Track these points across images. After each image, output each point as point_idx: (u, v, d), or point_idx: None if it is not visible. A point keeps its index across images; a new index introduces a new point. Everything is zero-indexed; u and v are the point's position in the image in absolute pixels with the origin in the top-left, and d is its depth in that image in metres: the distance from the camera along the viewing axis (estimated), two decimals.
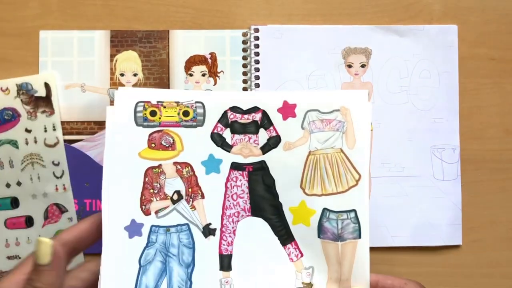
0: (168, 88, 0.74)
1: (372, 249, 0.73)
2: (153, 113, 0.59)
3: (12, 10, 0.73)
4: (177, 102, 0.60)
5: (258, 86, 0.73)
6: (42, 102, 0.72)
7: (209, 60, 0.74)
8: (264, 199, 0.60)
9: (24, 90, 0.72)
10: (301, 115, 0.60)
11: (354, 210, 0.61)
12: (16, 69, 0.72)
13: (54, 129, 0.72)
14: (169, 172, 0.59)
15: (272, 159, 0.60)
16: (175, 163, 0.59)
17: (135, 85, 0.73)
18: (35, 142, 0.72)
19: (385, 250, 0.74)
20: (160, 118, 0.59)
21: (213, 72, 0.74)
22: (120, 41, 0.73)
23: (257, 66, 0.73)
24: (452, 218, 0.74)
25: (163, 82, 0.74)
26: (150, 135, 0.59)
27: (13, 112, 0.72)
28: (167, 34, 0.74)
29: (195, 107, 0.60)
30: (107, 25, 0.73)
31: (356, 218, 0.62)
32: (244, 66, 0.74)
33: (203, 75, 0.74)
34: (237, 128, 0.60)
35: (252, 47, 0.73)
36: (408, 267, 0.74)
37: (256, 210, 0.60)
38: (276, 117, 0.60)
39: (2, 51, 0.72)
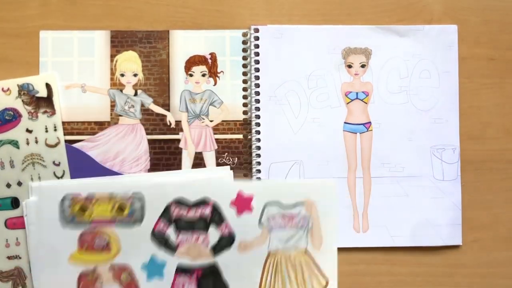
0: (168, 88, 0.74)
1: (372, 249, 0.74)
2: (82, 210, 0.52)
3: (12, 11, 0.73)
4: (111, 194, 0.53)
5: (258, 86, 0.73)
6: (43, 102, 0.73)
7: (209, 60, 0.74)
8: None
9: (25, 91, 0.72)
10: (258, 209, 0.54)
11: None
12: (17, 69, 0.72)
13: (55, 129, 0.73)
14: (106, 278, 0.53)
15: (225, 261, 0.53)
16: (111, 267, 0.53)
17: (135, 86, 0.74)
18: (36, 142, 0.72)
19: (385, 250, 0.74)
20: (91, 216, 0.53)
21: (213, 72, 0.74)
22: (120, 42, 0.73)
23: (257, 66, 0.73)
24: (452, 218, 0.74)
25: (163, 82, 0.74)
26: (80, 236, 0.53)
27: (14, 113, 0.72)
28: (167, 34, 0.74)
29: (132, 200, 0.53)
30: (107, 25, 0.73)
31: None
32: (244, 66, 0.74)
33: (203, 75, 0.74)
34: (183, 225, 0.54)
35: (252, 47, 0.73)
36: (408, 267, 0.74)
37: None
38: (229, 212, 0.54)
39: (3, 51, 0.73)
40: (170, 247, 0.53)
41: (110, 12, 0.74)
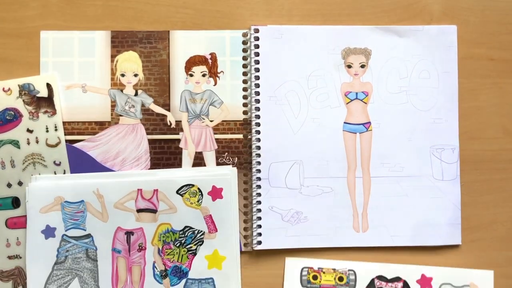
0: (169, 88, 0.74)
1: (372, 248, 0.74)
2: (314, 277, 0.72)
3: (13, 11, 0.73)
4: (334, 269, 0.72)
5: (258, 86, 0.73)
6: (44, 102, 0.73)
7: (209, 61, 0.74)
8: None
9: (26, 91, 0.72)
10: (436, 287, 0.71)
11: None
12: (17, 70, 0.73)
13: (56, 129, 0.73)
14: None
15: None
16: None
17: (135, 86, 0.74)
18: (37, 142, 0.73)
19: (385, 250, 0.74)
20: (320, 282, 0.72)
21: (213, 72, 0.74)
22: (120, 42, 0.73)
23: (257, 66, 0.73)
24: (451, 218, 0.74)
25: (164, 82, 0.74)
26: None
27: (15, 112, 0.73)
28: (168, 35, 0.74)
29: (348, 274, 0.72)
30: (107, 26, 0.73)
31: None
32: (244, 66, 0.74)
33: (203, 75, 0.74)
34: None
35: (252, 47, 0.74)
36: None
37: None
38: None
39: (3, 51, 0.73)
40: None
41: (110, 12, 0.74)
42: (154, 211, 0.73)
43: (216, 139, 0.74)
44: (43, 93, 0.73)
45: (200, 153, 0.74)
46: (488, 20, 0.75)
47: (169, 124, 0.74)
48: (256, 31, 0.74)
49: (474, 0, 0.75)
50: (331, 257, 0.73)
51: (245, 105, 0.74)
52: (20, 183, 0.72)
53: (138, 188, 0.72)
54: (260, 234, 0.72)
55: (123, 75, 0.74)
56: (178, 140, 0.74)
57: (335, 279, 0.72)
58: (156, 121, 0.74)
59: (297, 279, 0.72)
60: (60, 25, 0.73)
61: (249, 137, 0.74)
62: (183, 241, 0.73)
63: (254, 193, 0.73)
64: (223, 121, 0.74)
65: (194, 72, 0.74)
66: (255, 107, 0.73)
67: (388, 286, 0.72)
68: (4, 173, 0.72)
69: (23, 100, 0.73)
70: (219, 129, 0.74)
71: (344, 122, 0.74)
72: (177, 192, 0.73)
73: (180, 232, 0.73)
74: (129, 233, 0.73)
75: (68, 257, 0.73)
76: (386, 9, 0.75)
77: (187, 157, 0.73)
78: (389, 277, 0.72)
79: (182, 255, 0.74)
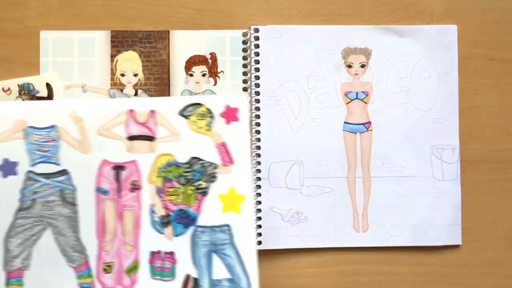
0: (169, 88, 0.74)
1: (372, 249, 0.74)
2: None
3: (12, 11, 0.73)
4: None
5: (258, 86, 0.73)
6: None
7: (209, 60, 0.74)
8: None
9: (25, 91, 0.72)
10: None
11: None
12: (17, 70, 0.73)
13: None
14: None
15: None
16: None
17: (135, 86, 0.74)
18: None
19: (385, 250, 0.74)
20: None
21: (213, 72, 0.74)
22: (120, 42, 0.73)
23: (257, 66, 0.73)
24: (451, 218, 0.74)
25: (164, 82, 0.74)
26: None
27: None
28: (167, 35, 0.74)
29: None
30: (107, 26, 0.73)
31: None
32: (244, 66, 0.74)
33: (203, 75, 0.74)
34: None
35: (252, 47, 0.73)
36: (408, 267, 0.74)
37: None
38: None
39: (3, 51, 0.73)
40: None
41: (110, 12, 0.74)
42: (150, 138, 0.58)
43: None
44: (43, 93, 0.73)
45: None
46: (488, 20, 0.75)
47: None
48: (256, 31, 0.73)
49: (475, 0, 0.75)
50: (331, 257, 0.73)
51: None
52: None
53: (129, 108, 0.57)
54: (260, 234, 0.72)
55: (123, 75, 0.74)
56: None
57: None
58: None
59: None
60: (60, 25, 0.73)
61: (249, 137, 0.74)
62: (189, 177, 0.57)
63: (254, 193, 0.73)
64: None
65: (194, 72, 0.74)
66: (255, 107, 0.73)
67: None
68: None
69: (23, 100, 0.72)
70: None
71: (344, 122, 0.74)
72: (180, 113, 0.58)
73: (186, 165, 0.57)
74: (118, 168, 0.56)
75: (36, 200, 0.55)
76: (386, 9, 0.75)
77: None
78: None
79: (189, 195, 0.57)
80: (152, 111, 0.57)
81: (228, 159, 0.57)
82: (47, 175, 0.55)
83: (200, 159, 0.57)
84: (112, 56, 0.74)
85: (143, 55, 0.74)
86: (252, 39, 0.74)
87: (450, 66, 0.75)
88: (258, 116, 0.73)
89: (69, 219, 0.55)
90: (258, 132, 0.73)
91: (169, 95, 0.74)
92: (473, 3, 0.75)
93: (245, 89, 0.74)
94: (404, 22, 0.75)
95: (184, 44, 0.74)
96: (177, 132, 0.57)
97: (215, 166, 0.57)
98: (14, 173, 0.54)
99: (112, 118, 0.55)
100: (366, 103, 0.74)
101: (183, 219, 0.57)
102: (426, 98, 0.75)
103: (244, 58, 0.74)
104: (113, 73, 0.74)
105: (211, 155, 0.57)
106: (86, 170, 0.55)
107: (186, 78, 0.74)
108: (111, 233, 0.56)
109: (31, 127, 0.55)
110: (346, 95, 0.74)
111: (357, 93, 0.74)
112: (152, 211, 0.56)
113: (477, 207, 0.75)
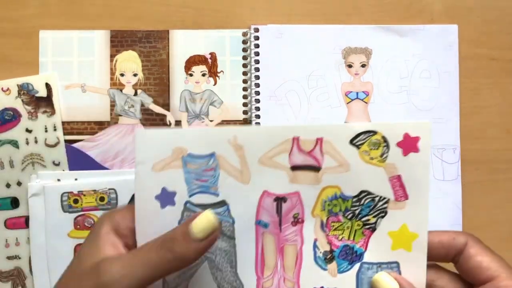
0: (168, 88, 0.74)
1: None
2: (75, 201, 0.71)
3: (12, 10, 0.73)
4: (94, 190, 0.71)
5: (258, 86, 0.73)
6: (43, 102, 0.73)
7: (209, 60, 0.74)
8: None
9: (25, 90, 0.72)
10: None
11: None
12: (16, 69, 0.72)
13: (55, 129, 0.72)
14: None
15: None
16: None
17: (135, 85, 0.74)
18: (36, 142, 0.72)
19: None
20: (81, 205, 0.71)
21: (213, 72, 0.74)
22: (120, 41, 0.73)
23: (257, 66, 0.73)
24: (452, 219, 0.74)
25: (163, 82, 0.74)
26: (75, 218, 0.71)
27: (14, 112, 0.72)
28: (167, 34, 0.74)
29: (109, 193, 0.71)
30: (107, 25, 0.73)
31: None
32: (244, 66, 0.74)
33: (203, 75, 0.74)
34: None
35: (252, 47, 0.73)
36: None
37: None
38: None
39: (2, 51, 0.72)
40: None
41: (110, 12, 0.73)
42: (316, 168, 0.51)
43: None
44: (42, 93, 0.73)
45: None
46: (489, 20, 0.75)
47: (168, 124, 0.74)
48: (256, 30, 0.73)
49: (475, 0, 0.75)
50: None
51: (245, 105, 0.74)
52: (19, 183, 0.72)
53: (294, 136, 0.50)
54: None
55: (122, 75, 0.74)
56: None
57: (96, 200, 0.70)
58: (156, 121, 0.74)
59: (57, 205, 0.70)
60: (59, 25, 0.73)
61: None
62: (357, 212, 0.51)
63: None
64: (223, 121, 0.74)
65: (193, 71, 0.74)
66: (255, 107, 0.73)
67: None
68: (3, 173, 0.72)
69: (22, 100, 0.72)
70: None
71: (345, 122, 0.74)
72: (351, 142, 0.50)
73: (354, 199, 0.51)
74: (280, 200, 0.51)
75: None
76: (387, 8, 0.75)
77: None
78: None
79: (356, 230, 0.52)
80: (319, 139, 0.50)
81: (402, 193, 0.50)
82: (205, 206, 0.50)
83: (370, 193, 0.51)
84: (112, 56, 0.74)
85: (143, 55, 0.74)
86: (252, 39, 0.73)
87: (451, 66, 0.74)
88: (258, 116, 0.73)
89: (226, 253, 0.51)
90: None
91: (168, 95, 0.74)
92: (474, 3, 0.75)
93: (245, 89, 0.74)
94: (404, 21, 0.74)
95: (183, 44, 0.74)
96: (346, 163, 0.50)
97: (387, 201, 0.51)
98: (172, 203, 0.50)
99: (275, 146, 0.49)
100: (366, 103, 0.74)
101: (348, 256, 0.52)
102: (426, 98, 0.74)
103: (244, 58, 0.74)
104: (112, 73, 0.74)
105: (382, 189, 0.50)
106: (246, 202, 0.50)
107: (186, 78, 0.74)
108: (270, 269, 0.51)
109: (190, 155, 0.49)
110: (346, 95, 0.74)
111: (357, 93, 0.74)
112: (315, 246, 0.51)
113: (478, 208, 0.74)
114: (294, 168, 0.49)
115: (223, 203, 0.49)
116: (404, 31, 0.74)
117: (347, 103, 0.74)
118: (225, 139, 0.48)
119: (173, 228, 0.46)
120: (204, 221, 0.44)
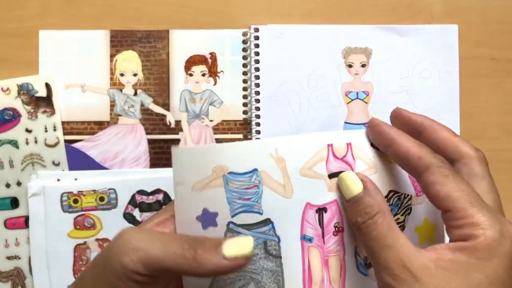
0: (168, 88, 0.74)
1: None
2: (75, 201, 0.71)
3: (11, 10, 0.73)
4: (94, 190, 0.71)
5: (258, 86, 0.73)
6: (43, 102, 0.72)
7: (209, 60, 0.74)
8: None
9: (24, 90, 0.72)
10: None
11: None
12: (16, 69, 0.72)
13: (55, 129, 0.72)
14: (93, 247, 0.72)
15: None
16: (97, 240, 0.71)
17: (135, 85, 0.73)
18: (36, 142, 0.72)
19: None
20: (81, 205, 0.72)
21: (213, 72, 0.74)
22: (120, 41, 0.73)
23: (257, 66, 0.73)
24: None
25: (163, 82, 0.73)
26: (74, 218, 0.72)
27: (14, 112, 0.72)
28: (167, 34, 0.74)
29: (109, 193, 0.72)
30: (107, 25, 0.73)
31: None
32: (244, 66, 0.74)
33: (203, 75, 0.74)
34: (144, 207, 0.72)
35: (252, 47, 0.73)
36: None
37: None
38: None
39: (2, 51, 0.72)
40: (137, 224, 0.71)
41: (109, 12, 0.73)
42: None
43: (216, 139, 0.74)
44: (42, 92, 0.73)
45: None
46: (489, 20, 0.75)
47: (168, 124, 0.74)
48: (256, 30, 0.73)
49: (476, 0, 0.75)
50: None
51: (245, 105, 0.74)
52: (19, 184, 0.72)
53: (328, 143, 0.48)
54: None
55: (122, 75, 0.74)
56: (178, 140, 0.74)
57: (96, 200, 0.72)
58: (156, 121, 0.74)
59: (57, 205, 0.71)
60: (59, 25, 0.73)
61: (249, 137, 0.73)
62: None
63: None
64: (223, 121, 0.74)
65: (193, 71, 0.74)
66: (255, 107, 0.73)
67: (149, 200, 0.72)
68: (3, 173, 0.72)
69: (22, 100, 0.72)
70: (219, 129, 0.74)
71: (345, 122, 0.74)
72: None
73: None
74: (321, 210, 0.48)
75: None
76: (387, 8, 0.75)
77: None
78: (149, 190, 0.72)
79: None
80: (348, 144, 0.48)
81: (420, 188, 0.49)
82: (249, 226, 0.47)
83: (396, 192, 0.50)
84: (112, 56, 0.73)
85: (143, 54, 0.74)
86: (252, 39, 0.73)
87: (451, 66, 0.74)
88: (258, 116, 0.73)
89: (273, 273, 0.48)
90: (258, 132, 0.73)
91: (168, 95, 0.74)
92: (474, 3, 0.75)
93: (245, 89, 0.74)
94: (404, 21, 0.74)
95: (183, 43, 0.74)
96: (374, 165, 0.49)
97: (410, 198, 0.50)
98: (214, 224, 0.47)
99: (313, 155, 0.47)
100: (366, 103, 0.74)
101: None
102: (426, 97, 0.74)
103: (244, 57, 0.74)
104: (112, 72, 0.74)
105: (404, 186, 0.50)
106: (290, 217, 0.47)
107: (186, 78, 0.74)
108: (317, 284, 0.48)
109: (231, 172, 0.46)
110: (346, 95, 0.74)
111: (357, 93, 0.74)
112: (357, 254, 0.49)
113: None
114: (331, 175, 0.47)
115: (267, 221, 0.46)
116: (404, 31, 0.74)
117: (347, 103, 0.74)
118: (266, 153, 0.45)
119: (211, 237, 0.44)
120: (240, 246, 0.43)
